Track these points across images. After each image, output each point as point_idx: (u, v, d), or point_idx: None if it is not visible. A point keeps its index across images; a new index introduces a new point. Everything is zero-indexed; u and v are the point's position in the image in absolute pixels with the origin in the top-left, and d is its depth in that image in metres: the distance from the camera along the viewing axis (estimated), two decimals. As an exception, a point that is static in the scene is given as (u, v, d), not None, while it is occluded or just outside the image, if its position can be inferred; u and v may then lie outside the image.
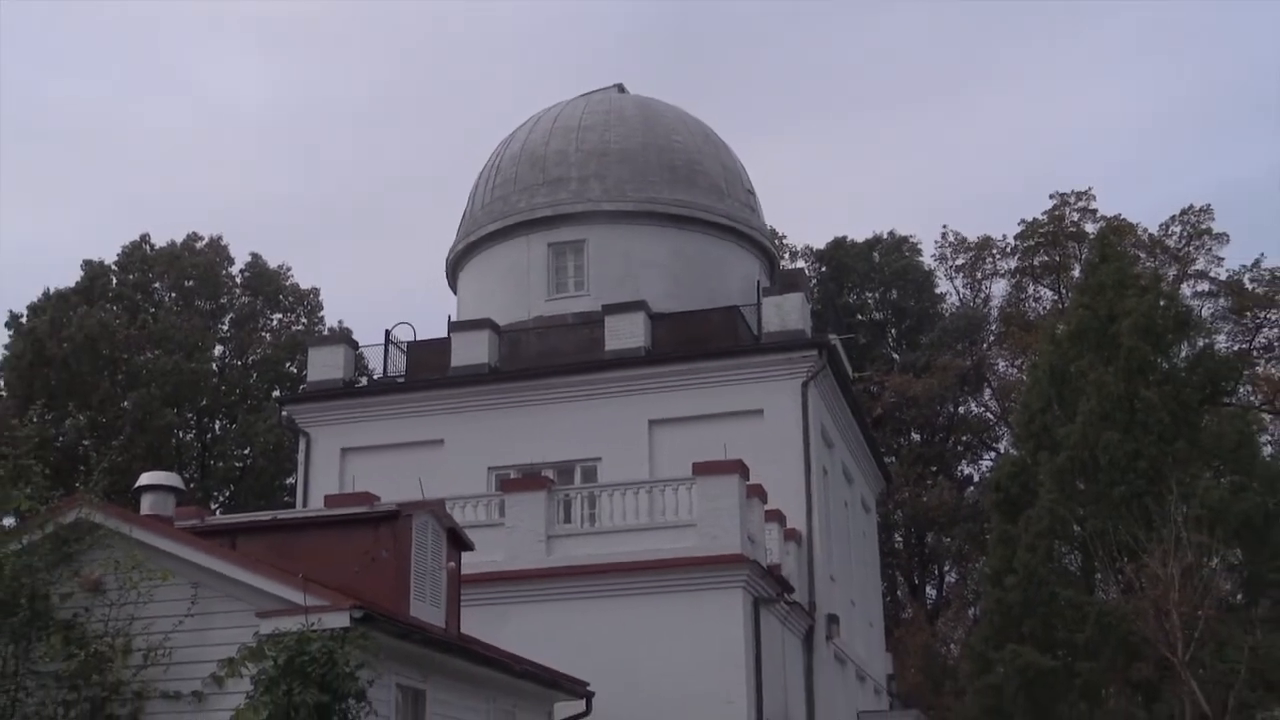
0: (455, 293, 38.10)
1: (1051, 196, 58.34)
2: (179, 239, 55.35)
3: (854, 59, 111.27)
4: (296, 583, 14.64)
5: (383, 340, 35.55)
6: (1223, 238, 55.42)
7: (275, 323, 57.27)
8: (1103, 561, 30.80)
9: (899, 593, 61.09)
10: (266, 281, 56.47)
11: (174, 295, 54.77)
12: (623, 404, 31.19)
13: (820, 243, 66.43)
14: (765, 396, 30.50)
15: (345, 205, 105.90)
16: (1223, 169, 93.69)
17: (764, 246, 37.48)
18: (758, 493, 26.11)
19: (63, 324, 48.74)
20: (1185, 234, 55.94)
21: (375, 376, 38.11)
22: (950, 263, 63.41)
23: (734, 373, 30.88)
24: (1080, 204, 57.87)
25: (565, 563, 24.78)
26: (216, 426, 54.41)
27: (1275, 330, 54.04)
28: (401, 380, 34.51)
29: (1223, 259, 55.46)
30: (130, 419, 47.90)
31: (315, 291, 57.87)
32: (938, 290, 65.27)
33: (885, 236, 66.30)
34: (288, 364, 53.60)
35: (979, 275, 62.64)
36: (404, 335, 35.46)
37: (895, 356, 63.51)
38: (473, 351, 32.83)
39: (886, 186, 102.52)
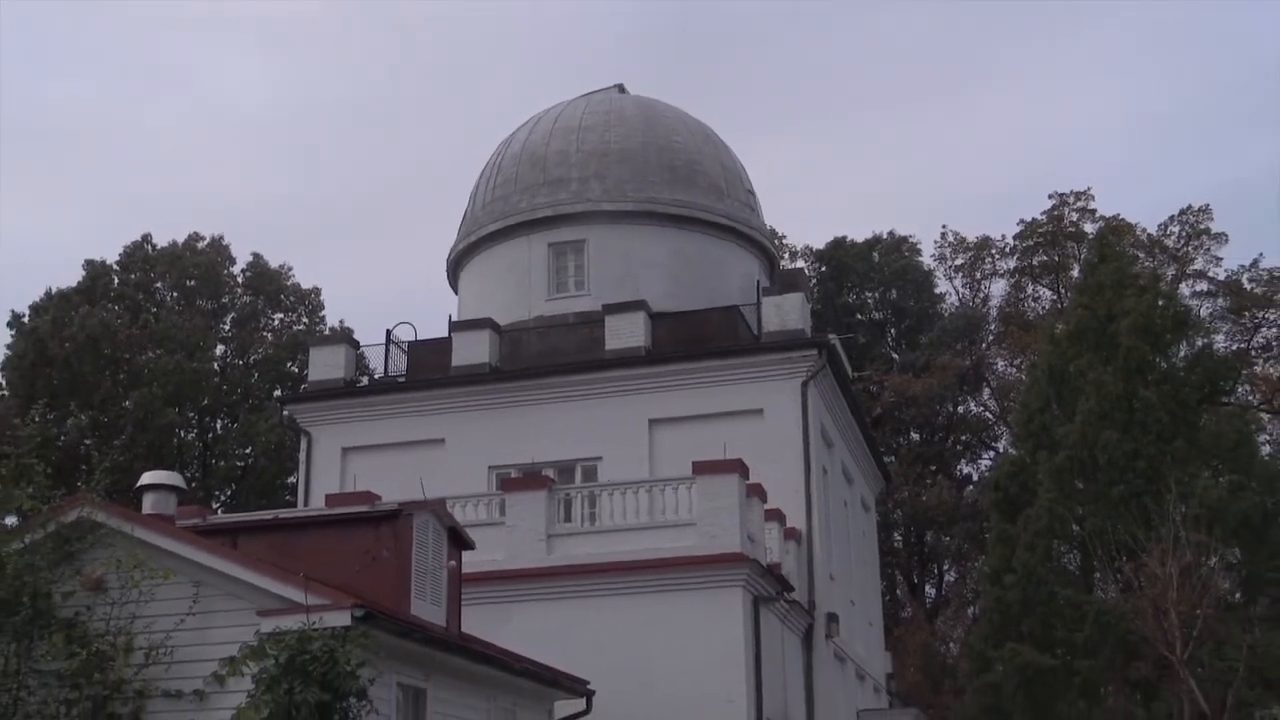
0: (456, 292, 38.16)
1: (1050, 196, 58.57)
2: (180, 239, 55.46)
3: (854, 59, 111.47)
4: (298, 582, 14.66)
5: (384, 340, 35.61)
6: (1221, 238, 55.63)
7: (276, 322, 57.34)
8: (1101, 561, 30.87)
9: (898, 592, 61.14)
10: (268, 281, 56.54)
11: (175, 295, 54.83)
12: (623, 403, 31.24)
13: (820, 243, 66.64)
14: (765, 396, 30.55)
15: (345, 205, 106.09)
16: (1221, 169, 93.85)
17: (764, 246, 37.54)
18: (757, 492, 26.15)
19: (64, 324, 48.83)
20: (1184, 234, 56.07)
21: (376, 376, 38.18)
22: (950, 262, 63.57)
23: (734, 372, 30.93)
24: (1079, 204, 58.01)
25: (565, 562, 24.82)
26: (218, 426, 54.46)
27: (1273, 330, 54.21)
28: (402, 380, 34.57)
29: (1221, 259, 55.74)
30: (132, 418, 47.98)
31: (316, 291, 57.96)
32: (937, 290, 65.40)
33: (885, 236, 66.38)
34: (289, 363, 53.66)
35: (978, 275, 62.76)
36: (405, 335, 35.58)
37: (895, 356, 63.58)
38: (473, 351, 32.90)
39: (886, 186, 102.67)
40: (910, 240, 66.05)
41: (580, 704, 21.96)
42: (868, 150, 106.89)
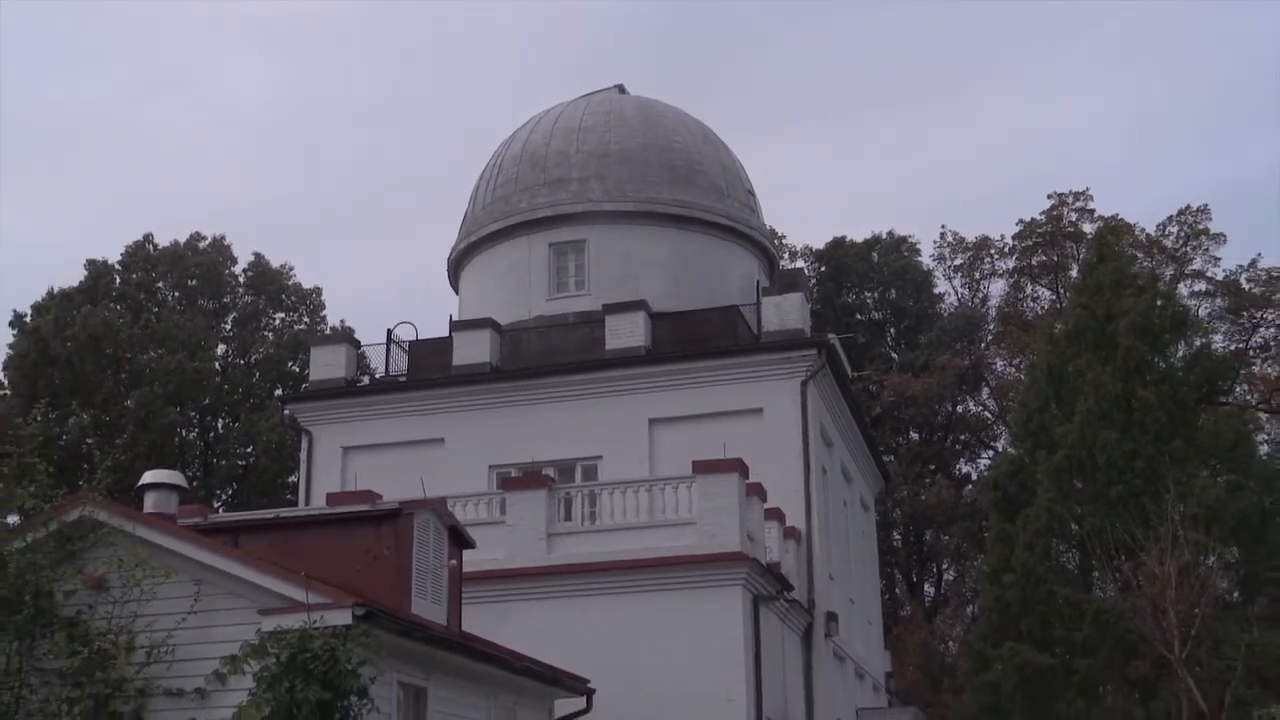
0: (456, 292, 38.23)
1: (1049, 197, 58.61)
2: (180, 239, 55.61)
3: (854, 59, 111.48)
4: (299, 580, 14.69)
5: (384, 339, 35.69)
6: (1220, 238, 55.65)
7: (278, 322, 57.45)
8: (1100, 560, 30.91)
9: (897, 591, 61.21)
10: (269, 281, 56.64)
11: (177, 295, 54.93)
12: (623, 403, 31.31)
13: (819, 243, 66.79)
14: (765, 396, 30.61)
15: (346, 205, 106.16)
16: (1221, 169, 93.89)
17: (763, 246, 37.61)
18: (757, 491, 26.21)
19: (66, 323, 48.95)
20: (1182, 234, 56.09)
21: (377, 375, 38.28)
22: (949, 262, 63.65)
23: (733, 372, 31.00)
24: (1078, 204, 58.05)
25: (566, 561, 24.89)
26: (219, 425, 54.56)
27: (1271, 330, 54.27)
28: (403, 379, 34.64)
29: (1220, 259, 55.78)
30: (133, 418, 48.06)
31: (317, 291, 58.06)
32: (936, 290, 65.50)
33: (884, 236, 66.51)
34: (290, 363, 53.76)
35: (977, 275, 62.81)
36: (405, 335, 35.65)
37: (894, 356, 63.68)
38: (474, 351, 32.97)
39: (886, 186, 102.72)
40: (909, 240, 66.27)
41: (580, 702, 22.02)
42: (867, 150, 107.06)
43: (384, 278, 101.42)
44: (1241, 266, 54.12)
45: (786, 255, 62.53)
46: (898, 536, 61.18)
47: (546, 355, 33.04)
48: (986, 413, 62.10)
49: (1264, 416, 50.07)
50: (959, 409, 62.20)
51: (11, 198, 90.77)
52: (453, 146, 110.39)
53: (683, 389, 31.15)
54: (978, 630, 35.38)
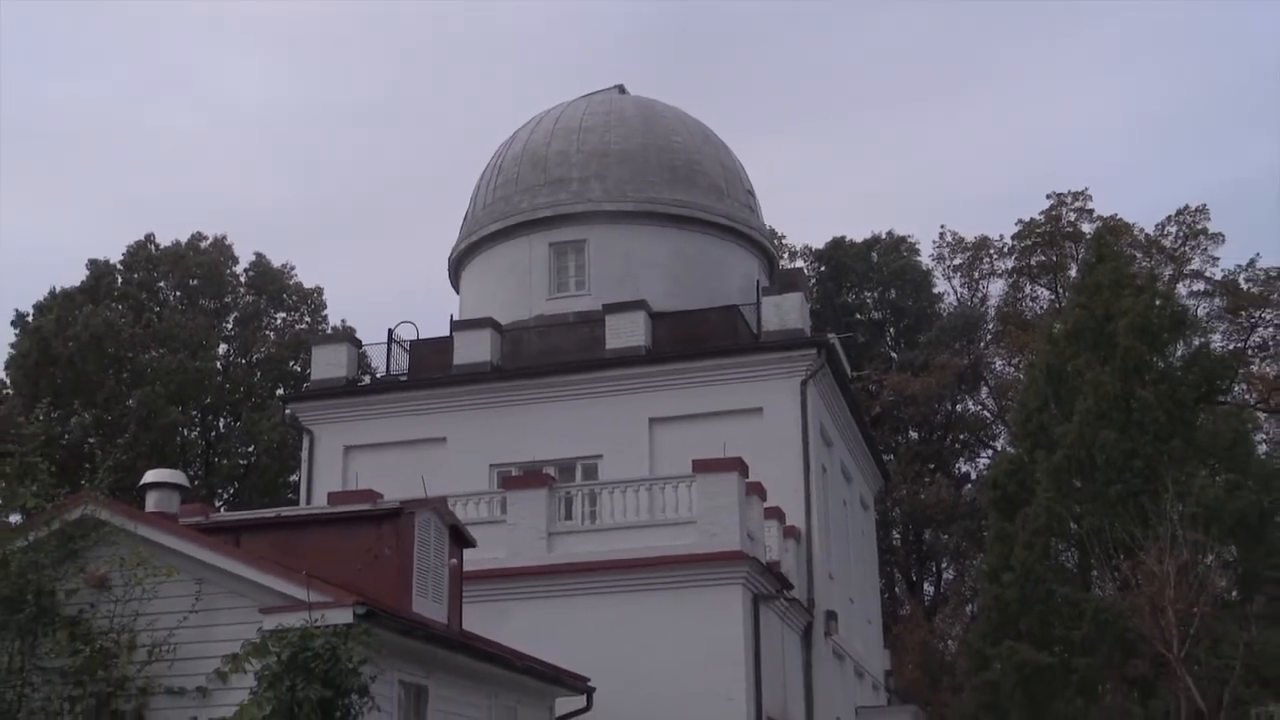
0: (457, 292, 38.30)
1: (1048, 197, 58.63)
2: (181, 239, 55.71)
3: (854, 59, 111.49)
4: (300, 579, 14.72)
5: (385, 339, 35.75)
6: (1218, 238, 55.65)
7: (279, 321, 57.51)
8: (1099, 559, 30.97)
9: (897, 590, 61.25)
10: (270, 281, 56.71)
11: (179, 294, 55.01)
12: (623, 402, 31.37)
13: (819, 242, 66.84)
14: (764, 395, 30.66)
15: (346, 205, 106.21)
16: (1221, 169, 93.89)
17: (763, 246, 37.66)
18: (757, 490, 26.26)
19: (68, 323, 49.04)
20: (1181, 234, 56.12)
21: (378, 375, 38.33)
22: (948, 262, 63.70)
23: (733, 371, 31.06)
24: (1077, 204, 58.08)
25: (566, 559, 24.95)
26: (221, 424, 54.65)
27: (1270, 329, 54.31)
28: (404, 379, 34.69)
29: (1218, 259, 55.80)
30: (135, 417, 48.13)
31: (319, 290, 58.13)
32: (935, 290, 65.58)
33: (884, 236, 66.57)
34: (291, 362, 53.81)
35: (976, 275, 62.85)
36: (406, 334, 35.70)
37: (893, 355, 63.75)
38: (475, 350, 33.03)
39: (885, 186, 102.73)
40: (909, 240, 66.34)
41: (581, 701, 22.09)
42: (867, 150, 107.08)
43: (384, 278, 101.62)
44: (1240, 266, 54.28)
45: (786, 255, 62.59)
46: (897, 535, 61.24)
47: (547, 355, 33.10)
48: (986, 412, 62.15)
49: (1262, 416, 50.14)
50: (958, 408, 62.24)
51: (12, 198, 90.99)
52: (453, 146, 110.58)
53: (683, 388, 31.21)
54: (977, 629, 35.45)
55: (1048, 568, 32.06)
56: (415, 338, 35.46)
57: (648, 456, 30.58)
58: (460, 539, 19.43)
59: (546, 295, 34.82)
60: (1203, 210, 55.70)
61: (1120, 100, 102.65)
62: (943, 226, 66.95)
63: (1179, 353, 34.00)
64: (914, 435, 62.62)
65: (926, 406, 59.43)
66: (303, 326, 56.51)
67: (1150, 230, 56.35)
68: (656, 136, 36.45)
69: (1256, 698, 28.26)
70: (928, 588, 62.83)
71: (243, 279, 56.69)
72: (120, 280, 53.67)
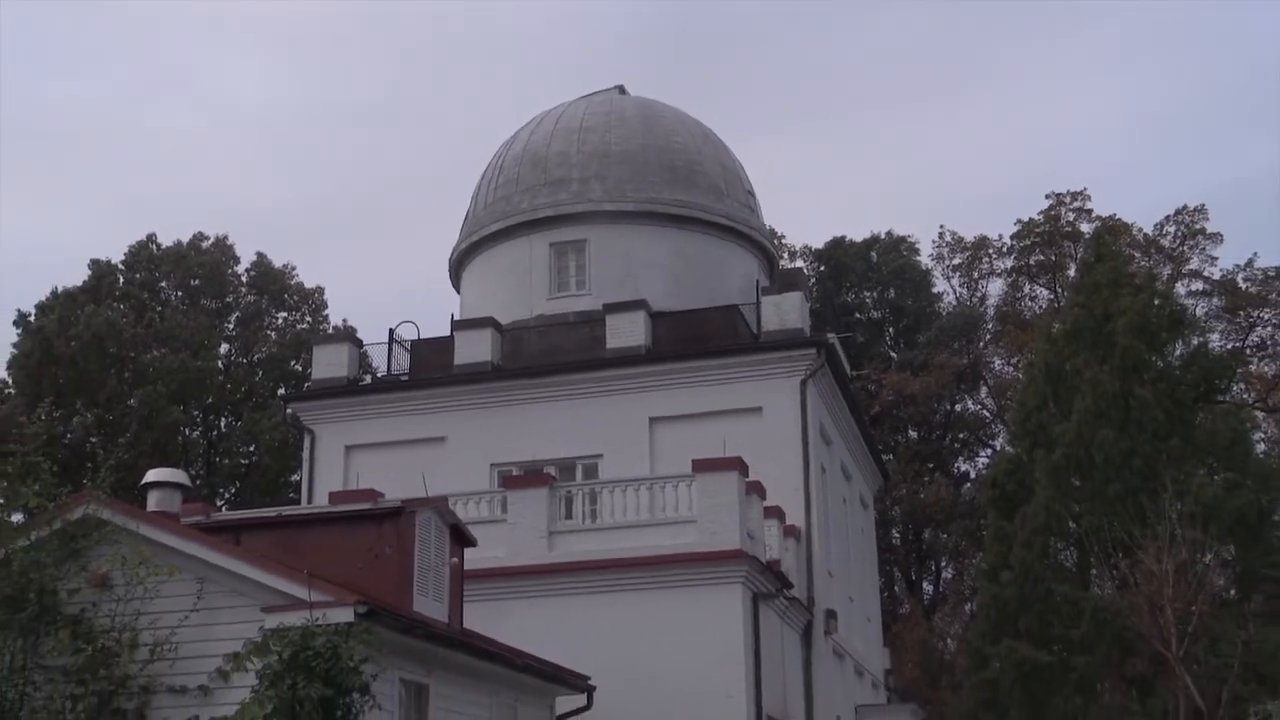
0: (458, 292, 38.37)
1: (1047, 196, 58.63)
2: (180, 238, 55.84)
3: (854, 59, 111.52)
4: (301, 578, 14.77)
5: (386, 339, 35.82)
6: (1216, 237, 55.65)
7: (280, 321, 57.58)
8: (1098, 557, 30.99)
9: (896, 588, 61.27)
10: (271, 280, 56.79)
11: (180, 294, 55.08)
12: (623, 402, 31.45)
13: (819, 242, 66.84)
14: (764, 394, 30.74)
15: (346, 205, 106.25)
16: (1220, 169, 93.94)
17: (763, 246, 37.74)
18: (757, 489, 26.34)
19: (70, 323, 49.13)
20: (1179, 234, 56.12)
21: (379, 374, 38.37)
22: (947, 262, 63.69)
23: (733, 371, 31.14)
24: (1076, 204, 58.08)
25: (567, 558, 25.02)
26: (222, 424, 54.71)
27: (1268, 329, 54.33)
28: (405, 378, 34.76)
29: (1216, 258, 55.80)
30: (137, 416, 48.21)
31: (320, 290, 58.20)
32: (935, 289, 65.58)
33: (883, 236, 66.60)
34: (293, 362, 53.87)
35: (975, 275, 62.84)
36: (407, 334, 35.78)
37: (893, 355, 63.75)
38: (475, 350, 33.10)
39: (885, 186, 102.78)
40: (908, 240, 66.34)
41: (581, 699, 22.15)
42: (867, 150, 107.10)
43: (385, 278, 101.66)
44: (1238, 266, 54.31)
45: (786, 255, 62.63)
46: (896, 534, 61.26)
47: (547, 354, 33.17)
48: (985, 411, 62.15)
49: (1260, 415, 50.22)
50: (957, 408, 62.26)
51: (12, 198, 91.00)
52: (453, 146, 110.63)
53: (683, 388, 31.29)
54: (976, 628, 35.47)
55: (1046, 566, 32.08)
56: (416, 337, 35.56)
57: (648, 456, 30.65)
58: (461, 538, 19.49)
59: (547, 295, 34.90)
60: (1201, 210, 55.78)
61: (1120, 100, 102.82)
62: (942, 226, 67.16)
63: (1177, 352, 34.06)
64: (913, 434, 62.67)
65: (926, 406, 59.47)
66: (304, 326, 56.57)
67: (1149, 230, 56.46)
68: (656, 137, 36.52)
69: (1255, 696, 28.18)
70: (927, 586, 62.90)
71: (244, 279, 56.77)
72: (122, 280, 53.75)
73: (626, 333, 32.17)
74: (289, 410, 35.13)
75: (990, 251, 61.53)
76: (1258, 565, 30.61)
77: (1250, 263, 53.87)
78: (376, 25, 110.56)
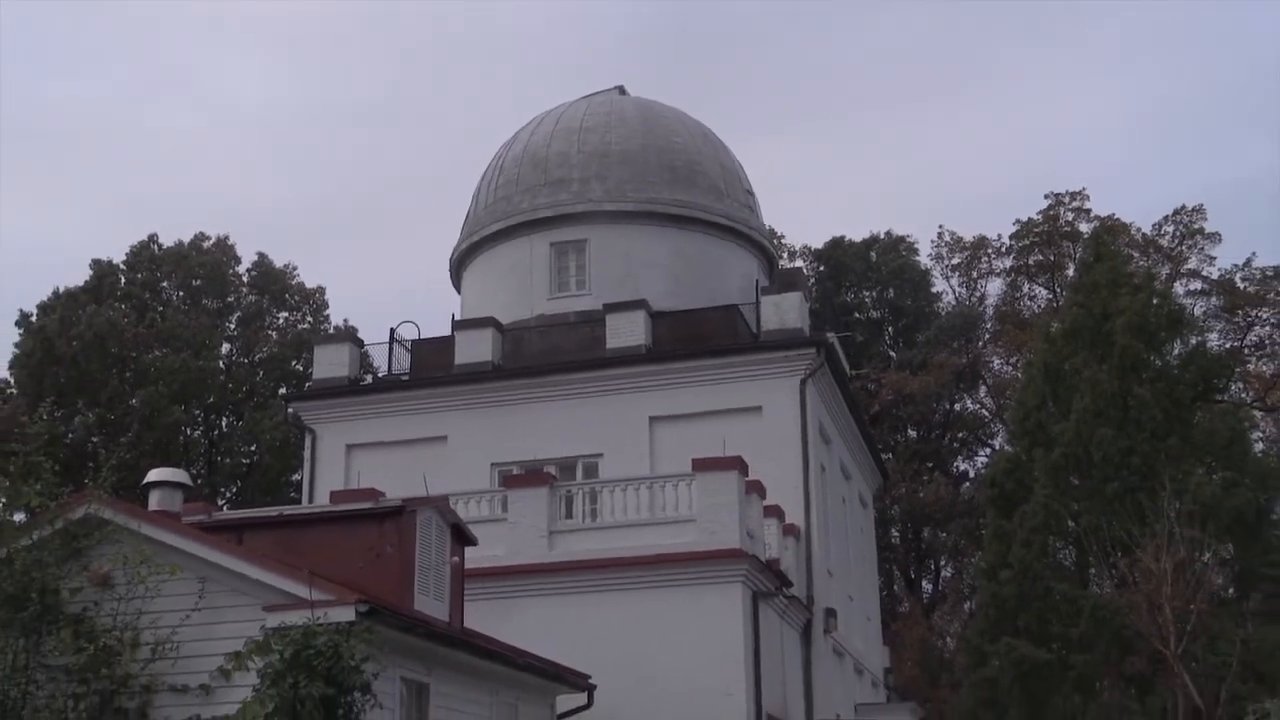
0: (459, 291, 38.43)
1: (1046, 196, 58.71)
2: (181, 239, 55.91)
3: (854, 59, 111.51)
4: (302, 577, 14.82)
5: (387, 338, 35.89)
6: (1215, 237, 55.65)
7: (281, 321, 57.64)
8: (1097, 556, 31.08)
9: (896, 587, 61.28)
10: (273, 280, 56.86)
11: (181, 294, 55.16)
12: (624, 401, 31.51)
13: (818, 242, 66.85)
14: (764, 394, 30.81)
15: (346, 205, 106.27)
16: (1217, 170, 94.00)
17: (763, 246, 37.81)
18: (757, 488, 26.39)
19: (72, 322, 49.22)
20: (1178, 234, 56.12)
21: (380, 374, 38.44)
22: (946, 262, 63.76)
23: (733, 370, 31.20)
24: (1074, 204, 58.12)
25: (567, 558, 25.08)
26: (223, 423, 54.78)
27: (1266, 328, 54.36)
28: (406, 378, 34.83)
29: (1215, 258, 55.83)
30: (138, 416, 48.32)
31: (321, 290, 58.28)
32: (934, 289, 65.62)
33: (882, 236, 66.62)
34: (294, 362, 53.95)
35: (975, 274, 62.91)
36: (408, 334, 35.85)
37: (892, 354, 63.79)
38: (476, 349, 33.17)
39: (884, 186, 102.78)
40: (907, 240, 66.36)
41: (582, 698, 22.21)
42: (867, 150, 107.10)
43: (386, 278, 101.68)
44: (1236, 265, 54.34)
45: (785, 255, 62.67)
46: (896, 533, 61.28)
47: (548, 354, 33.24)
48: (984, 411, 62.18)
49: (1259, 414, 50.32)
50: (956, 407, 62.29)
51: (12, 198, 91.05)
52: (453, 146, 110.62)
53: (683, 387, 31.35)
54: (975, 626, 35.51)
55: (1045, 565, 32.13)
56: (417, 337, 35.64)
57: (648, 455, 30.71)
58: (461, 537, 19.55)
59: (547, 295, 34.98)
60: (1199, 210, 55.80)
61: (1120, 100, 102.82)
62: (941, 226, 67.13)
63: (1176, 351, 34.07)
64: (912, 434, 62.70)
65: (925, 405, 59.51)
66: (305, 326, 56.65)
67: (1147, 230, 56.51)
68: (656, 137, 36.59)
69: (1253, 694, 28.18)
70: (926, 585, 62.94)
71: (245, 279, 56.83)
72: (123, 280, 53.84)
73: (626, 332, 32.24)
74: (290, 410, 35.19)
75: (989, 251, 61.61)
76: (1256, 564, 30.66)
77: (1248, 262, 53.98)
78: (376, 25, 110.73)
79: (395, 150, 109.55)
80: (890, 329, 66.50)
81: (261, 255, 57.18)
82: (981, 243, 61.62)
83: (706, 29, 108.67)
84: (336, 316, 58.08)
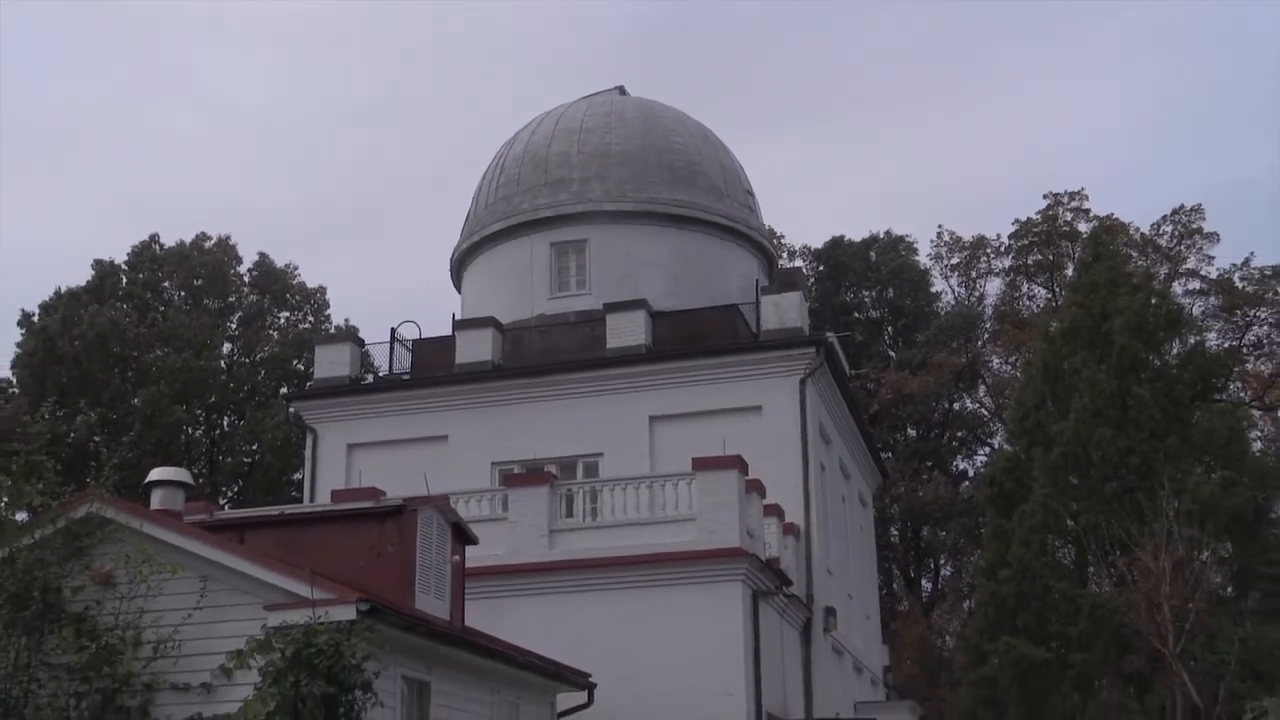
0: (459, 291, 38.49)
1: (1045, 196, 58.78)
2: (182, 239, 55.96)
3: (854, 59, 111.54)
4: (304, 576, 14.82)
5: (388, 338, 35.94)
6: (1213, 237, 55.76)
7: (283, 321, 57.68)
8: (1095, 555, 31.16)
9: (895, 586, 61.31)
10: (274, 280, 56.91)
11: (183, 294, 55.22)
12: (624, 400, 31.56)
13: (818, 242, 66.88)
14: (764, 393, 30.85)
15: (346, 205, 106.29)
16: (1216, 170, 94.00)
17: (762, 246, 37.86)
18: (756, 488, 26.42)
19: (74, 322, 49.28)
20: (1176, 233, 56.19)
21: (381, 374, 38.44)
22: (945, 262, 63.81)
23: (733, 370, 31.25)
24: (1073, 204, 58.19)
25: (567, 556, 25.11)
26: (225, 423, 54.84)
27: (1265, 328, 54.44)
28: (407, 377, 34.88)
29: (1213, 258, 55.92)
30: (140, 416, 48.38)
31: (322, 290, 58.33)
32: (933, 289, 65.65)
33: (882, 236, 66.65)
34: (295, 361, 54.00)
35: (974, 274, 62.95)
36: (409, 333, 35.91)
37: (891, 354, 63.83)
38: (476, 349, 33.22)
39: (884, 186, 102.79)
40: (907, 239, 66.39)
41: (582, 697, 22.24)
42: (867, 150, 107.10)
43: (386, 277, 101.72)
44: (1235, 265, 54.42)
45: (785, 254, 62.72)
46: (895, 532, 61.32)
47: (548, 354, 33.29)
48: (983, 410, 62.23)
49: (1257, 414, 50.40)
50: (956, 406, 62.32)
51: (12, 198, 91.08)
52: (453, 146, 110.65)
53: (683, 387, 31.39)
54: (974, 625, 35.58)
55: (1044, 564, 32.22)
56: (417, 337, 35.70)
57: (648, 454, 30.76)
58: (462, 536, 19.59)
59: (548, 295, 35.03)
60: (1198, 210, 55.89)
61: (1119, 100, 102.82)
62: (940, 226, 66.97)
63: (1174, 351, 34.15)
64: (912, 433, 62.74)
65: (924, 404, 59.54)
66: (306, 326, 56.70)
67: (1146, 230, 56.57)
68: (656, 137, 36.65)
69: (1251, 693, 28.24)
70: (925, 584, 62.99)
71: (246, 279, 56.87)
72: (125, 280, 53.91)
73: (626, 332, 32.29)
74: (291, 409, 35.27)
75: (988, 251, 61.66)
76: (1254, 563, 30.76)
77: (1247, 262, 54.06)
78: (376, 25, 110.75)
79: (395, 150, 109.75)
80: (889, 329, 66.53)
81: (262, 255, 57.32)
82: (981, 242, 61.68)
83: (706, 29, 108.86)
84: (337, 316, 58.31)
